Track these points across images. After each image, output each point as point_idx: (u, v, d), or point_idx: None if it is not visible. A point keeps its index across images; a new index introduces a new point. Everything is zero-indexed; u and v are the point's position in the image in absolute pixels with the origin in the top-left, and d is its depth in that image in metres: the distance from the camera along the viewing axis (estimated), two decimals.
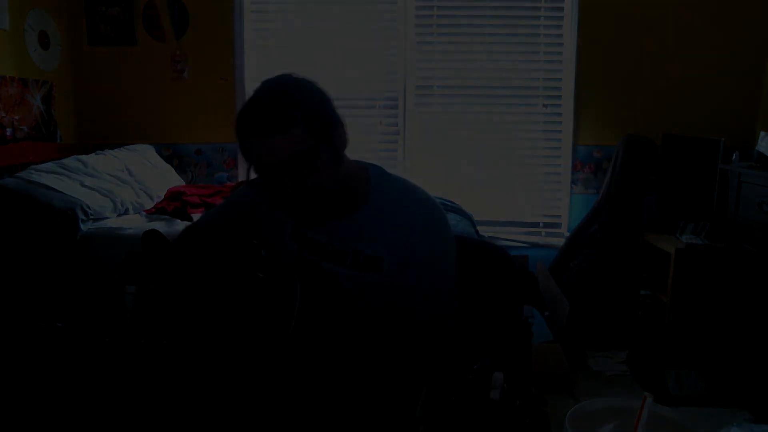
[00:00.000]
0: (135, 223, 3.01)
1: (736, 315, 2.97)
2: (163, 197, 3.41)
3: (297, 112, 1.20)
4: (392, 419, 1.17)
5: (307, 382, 1.23)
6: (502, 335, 1.54)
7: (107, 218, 3.05)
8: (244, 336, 1.24)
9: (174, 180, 3.77)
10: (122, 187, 3.28)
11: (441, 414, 1.04)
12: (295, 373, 1.24)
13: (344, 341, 1.26)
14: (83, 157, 3.37)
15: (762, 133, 3.32)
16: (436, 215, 1.33)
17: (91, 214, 2.95)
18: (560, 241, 3.82)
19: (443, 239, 1.33)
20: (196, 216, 3.05)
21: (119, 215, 3.15)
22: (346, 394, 1.22)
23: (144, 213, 3.24)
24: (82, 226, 2.88)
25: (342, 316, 1.27)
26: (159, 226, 2.93)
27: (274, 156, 1.20)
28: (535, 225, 3.98)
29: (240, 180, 3.93)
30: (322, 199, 1.26)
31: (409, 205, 1.33)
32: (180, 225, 2.97)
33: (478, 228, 3.36)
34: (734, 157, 3.32)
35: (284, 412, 1.21)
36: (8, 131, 3.27)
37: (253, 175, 1.27)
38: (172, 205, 3.21)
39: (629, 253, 3.57)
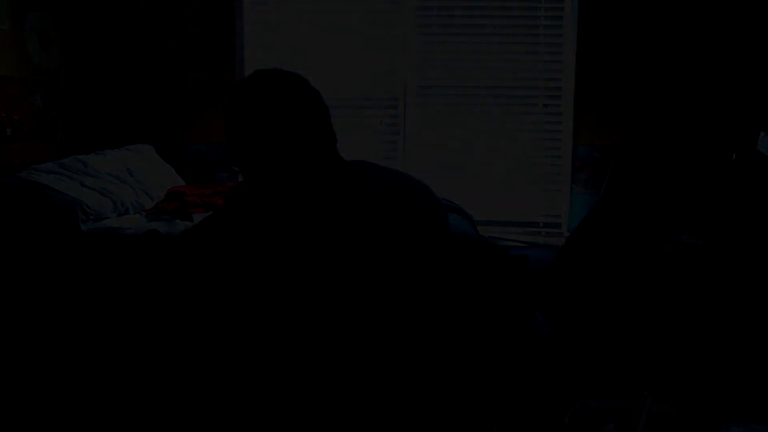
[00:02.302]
0: (135, 223, 3.01)
1: (736, 315, 2.97)
2: (163, 197, 3.41)
3: (292, 103, 1.21)
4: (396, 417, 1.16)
5: (310, 382, 1.23)
6: (503, 334, 1.55)
7: (107, 218, 3.05)
8: (244, 338, 1.23)
9: (174, 180, 3.77)
10: (122, 187, 3.28)
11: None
12: (298, 372, 1.24)
13: (346, 340, 1.26)
14: (83, 157, 3.36)
15: (762, 133, 3.32)
16: (437, 208, 1.35)
17: (91, 214, 2.95)
18: (560, 241, 3.82)
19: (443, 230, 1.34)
20: (197, 216, 3.05)
21: (119, 215, 3.15)
22: (350, 392, 1.22)
23: (144, 213, 3.24)
24: (82, 226, 2.88)
25: (345, 314, 1.27)
26: (159, 226, 2.92)
27: (270, 147, 1.19)
28: (535, 225, 3.98)
29: (240, 180, 3.94)
30: (320, 191, 1.25)
31: (409, 200, 1.33)
32: (180, 225, 2.97)
33: (478, 228, 3.36)
34: (734, 157, 3.32)
35: (286, 412, 1.21)
36: (8, 131, 3.27)
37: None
38: (172, 205, 3.21)
39: (629, 252, 3.57)
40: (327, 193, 1.26)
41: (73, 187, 3.03)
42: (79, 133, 3.94)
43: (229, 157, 3.99)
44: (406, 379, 1.24)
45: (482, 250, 1.58)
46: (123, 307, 2.39)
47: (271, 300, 1.25)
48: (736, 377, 2.50)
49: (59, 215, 2.85)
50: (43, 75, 3.59)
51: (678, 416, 0.96)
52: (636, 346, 2.89)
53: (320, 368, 1.24)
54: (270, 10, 3.95)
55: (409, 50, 3.90)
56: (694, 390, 2.31)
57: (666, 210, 3.63)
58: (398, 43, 3.90)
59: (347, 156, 1.34)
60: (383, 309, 1.28)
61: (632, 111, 3.79)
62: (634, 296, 3.49)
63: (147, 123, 3.98)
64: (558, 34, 3.84)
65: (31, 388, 2.06)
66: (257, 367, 1.24)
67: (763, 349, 2.70)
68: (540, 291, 3.17)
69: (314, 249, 1.29)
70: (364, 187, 1.31)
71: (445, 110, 3.95)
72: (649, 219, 3.68)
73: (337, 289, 1.27)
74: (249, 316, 1.25)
